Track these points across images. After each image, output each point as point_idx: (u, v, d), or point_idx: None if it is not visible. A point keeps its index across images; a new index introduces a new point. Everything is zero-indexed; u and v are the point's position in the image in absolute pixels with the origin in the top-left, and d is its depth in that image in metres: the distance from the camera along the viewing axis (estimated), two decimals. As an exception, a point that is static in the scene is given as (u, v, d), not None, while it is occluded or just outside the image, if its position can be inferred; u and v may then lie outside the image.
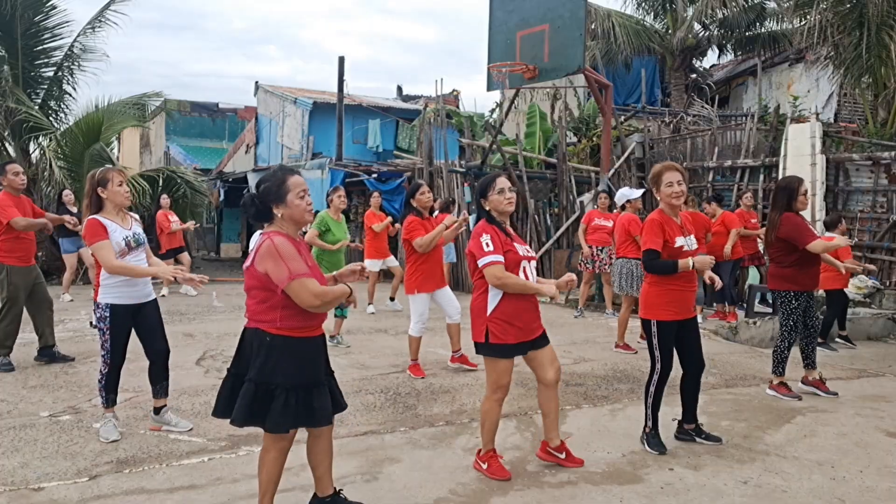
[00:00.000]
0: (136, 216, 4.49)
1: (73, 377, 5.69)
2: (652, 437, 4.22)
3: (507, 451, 4.10)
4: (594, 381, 5.91)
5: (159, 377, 4.38)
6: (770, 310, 8.87)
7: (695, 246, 4.23)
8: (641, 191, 7.49)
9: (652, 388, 4.21)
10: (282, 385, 2.85)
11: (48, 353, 6.20)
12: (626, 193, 7.57)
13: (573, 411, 5.00)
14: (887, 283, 10.15)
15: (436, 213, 6.40)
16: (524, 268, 3.67)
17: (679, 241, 4.14)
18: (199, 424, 4.50)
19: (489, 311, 3.63)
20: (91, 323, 8.00)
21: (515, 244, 3.69)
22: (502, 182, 3.74)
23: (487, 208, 3.75)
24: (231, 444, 4.15)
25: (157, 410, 4.42)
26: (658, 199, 4.27)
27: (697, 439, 4.36)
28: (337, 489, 3.22)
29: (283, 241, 2.84)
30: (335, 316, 7.00)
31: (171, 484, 3.56)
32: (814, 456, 4.17)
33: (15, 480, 3.55)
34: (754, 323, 7.91)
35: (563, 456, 3.87)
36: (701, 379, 4.39)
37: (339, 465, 3.44)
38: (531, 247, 7.48)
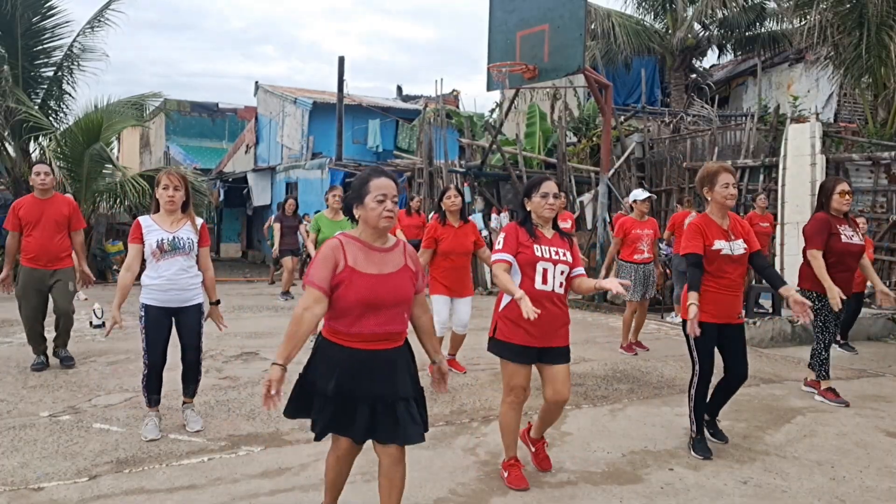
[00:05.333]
0: (197, 221, 4.45)
1: (73, 377, 5.68)
2: (698, 441, 4.16)
3: (507, 451, 4.10)
4: (594, 381, 5.91)
5: (187, 379, 4.49)
6: (769, 310, 8.86)
7: (740, 251, 4.05)
8: (647, 194, 7.31)
9: (692, 391, 4.15)
10: (315, 384, 2.77)
11: (56, 354, 6.12)
12: (635, 194, 7.46)
13: (573, 411, 5.00)
14: (887, 284, 10.15)
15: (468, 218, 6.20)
16: (544, 269, 3.51)
17: (718, 245, 4.01)
18: (198, 424, 4.50)
19: (501, 306, 3.61)
20: (91, 323, 8.00)
21: (539, 245, 3.54)
22: (548, 186, 3.56)
23: (528, 209, 3.63)
24: (231, 445, 4.15)
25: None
26: (707, 199, 4.15)
27: (706, 432, 4.32)
28: None
29: (329, 245, 2.75)
30: None
31: (171, 484, 3.56)
32: (814, 456, 4.17)
33: (15, 480, 3.55)
34: (754, 323, 7.90)
35: (533, 449, 3.86)
36: (738, 388, 4.29)
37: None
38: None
